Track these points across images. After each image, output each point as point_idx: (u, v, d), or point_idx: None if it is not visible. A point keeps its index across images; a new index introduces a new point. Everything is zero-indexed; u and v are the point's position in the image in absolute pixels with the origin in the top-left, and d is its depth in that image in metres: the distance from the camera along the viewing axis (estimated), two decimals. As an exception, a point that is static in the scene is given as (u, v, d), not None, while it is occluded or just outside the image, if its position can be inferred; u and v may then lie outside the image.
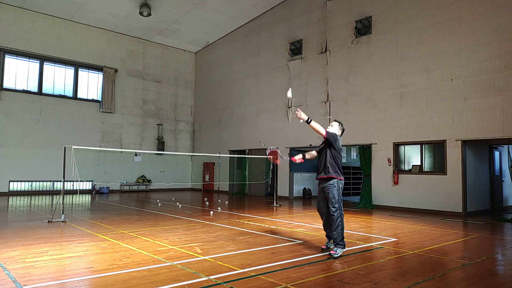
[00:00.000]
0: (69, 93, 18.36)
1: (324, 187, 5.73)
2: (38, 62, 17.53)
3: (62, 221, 8.72)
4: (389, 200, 12.77)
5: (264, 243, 6.57)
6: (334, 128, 5.92)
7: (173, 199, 15.49)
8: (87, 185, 18.48)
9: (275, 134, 16.95)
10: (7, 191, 16.47)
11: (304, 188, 16.94)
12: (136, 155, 20.13)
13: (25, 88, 17.15)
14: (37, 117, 17.21)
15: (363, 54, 13.85)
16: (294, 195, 16.49)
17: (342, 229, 5.61)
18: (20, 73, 17.12)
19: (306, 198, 16.60)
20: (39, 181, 17.26)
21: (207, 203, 13.96)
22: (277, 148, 6.65)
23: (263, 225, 8.75)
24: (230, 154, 18.96)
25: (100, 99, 19.10)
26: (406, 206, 12.28)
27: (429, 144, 12.13)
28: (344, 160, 19.10)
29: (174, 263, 5.08)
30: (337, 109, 14.57)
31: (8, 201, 13.76)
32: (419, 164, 12.31)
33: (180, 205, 12.82)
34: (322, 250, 5.80)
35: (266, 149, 17.31)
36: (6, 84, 16.60)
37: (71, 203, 13.41)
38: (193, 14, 17.92)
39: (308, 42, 15.91)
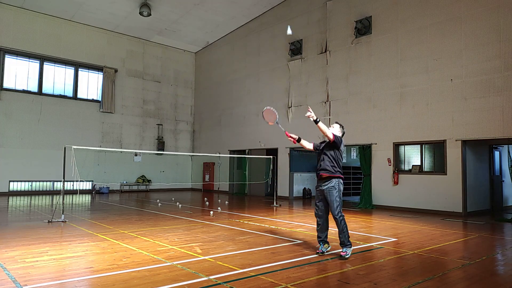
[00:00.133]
0: (69, 93, 18.36)
1: (324, 189, 5.67)
2: (38, 62, 17.53)
3: (62, 221, 8.72)
4: (389, 200, 12.77)
5: (264, 243, 6.57)
6: (335, 130, 5.86)
7: (173, 199, 15.48)
8: (87, 185, 18.48)
9: (275, 134, 16.93)
10: (7, 191, 16.47)
11: (304, 188, 16.94)
12: (136, 155, 20.13)
13: (25, 88, 17.15)
14: (37, 117, 17.21)
15: (363, 54, 13.84)
16: (294, 195, 16.49)
17: (347, 229, 5.61)
18: (20, 73, 17.12)
19: (306, 198, 16.60)
20: (39, 181, 17.26)
21: (207, 203, 13.96)
22: (277, 114, 6.43)
23: (263, 225, 8.75)
24: (230, 154, 18.96)
25: (100, 99, 19.10)
26: (406, 206, 12.28)
27: (429, 144, 12.13)
28: (344, 160, 19.09)
29: (174, 263, 5.08)
30: (337, 109, 14.57)
31: (8, 201, 13.76)
32: (419, 164, 12.31)
33: (180, 205, 12.82)
34: (318, 255, 5.67)
35: (266, 149, 17.51)
36: (6, 84, 16.60)
37: (71, 203, 13.41)
38: (193, 14, 17.92)
39: (308, 42, 15.91)
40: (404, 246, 6.55)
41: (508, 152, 11.43)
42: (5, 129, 16.38)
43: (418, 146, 12.38)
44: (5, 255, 5.38)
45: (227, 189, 19.63)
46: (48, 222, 8.65)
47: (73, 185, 16.48)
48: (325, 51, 15.12)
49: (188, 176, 22.04)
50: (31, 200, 14.51)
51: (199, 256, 5.52)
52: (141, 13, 16.91)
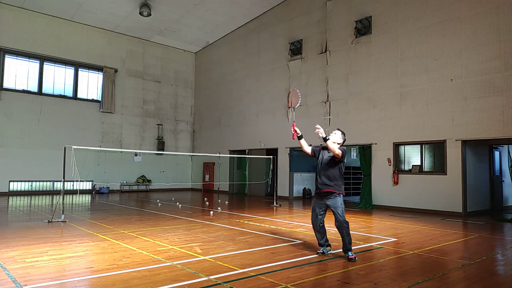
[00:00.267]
0: (69, 93, 18.36)
1: (327, 201, 5.54)
2: (38, 62, 17.52)
3: (62, 221, 8.72)
4: (389, 200, 12.77)
5: (264, 243, 6.57)
6: (337, 136, 5.68)
7: (173, 199, 15.48)
8: (87, 185, 18.47)
9: (275, 134, 16.95)
10: (7, 191, 16.47)
11: (304, 188, 16.94)
12: (136, 155, 20.13)
13: (25, 88, 17.15)
14: (37, 117, 17.21)
15: (363, 54, 13.84)
16: (294, 195, 16.49)
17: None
18: (20, 73, 17.12)
19: (306, 198, 16.60)
20: (39, 181, 17.26)
21: (207, 203, 13.96)
22: (299, 102, 6.27)
23: (263, 225, 8.75)
24: (230, 154, 18.96)
25: (100, 99, 19.09)
26: (406, 206, 12.28)
27: (429, 144, 12.12)
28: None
29: (174, 263, 5.08)
30: (337, 109, 14.57)
31: (8, 201, 13.76)
32: (419, 164, 12.30)
33: (180, 205, 12.82)
34: (318, 255, 5.65)
35: (266, 149, 17.51)
36: (6, 84, 16.60)
37: (71, 203, 13.41)
38: (193, 14, 17.92)
39: (308, 42, 15.91)
40: (404, 246, 6.55)
41: (508, 152, 11.42)
42: (5, 129, 16.38)
43: (418, 146, 12.38)
44: (5, 255, 5.38)
45: (227, 189, 19.62)
46: (48, 222, 8.65)
47: (73, 185, 16.47)
48: (325, 51, 15.12)
49: (188, 176, 22.04)
50: (31, 200, 14.51)
51: (199, 256, 5.52)
52: (141, 13, 16.91)
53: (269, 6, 17.46)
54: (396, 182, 12.61)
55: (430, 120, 11.90)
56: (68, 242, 6.43)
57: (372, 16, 13.61)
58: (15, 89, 16.83)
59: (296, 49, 16.25)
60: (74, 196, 16.20)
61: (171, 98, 21.90)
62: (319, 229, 5.68)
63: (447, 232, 8.14)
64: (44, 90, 17.58)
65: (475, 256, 5.85)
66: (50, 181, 17.48)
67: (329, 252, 5.75)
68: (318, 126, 5.55)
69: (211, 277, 4.44)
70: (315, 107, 15.21)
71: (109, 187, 18.83)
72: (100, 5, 16.87)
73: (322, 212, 5.68)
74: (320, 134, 5.45)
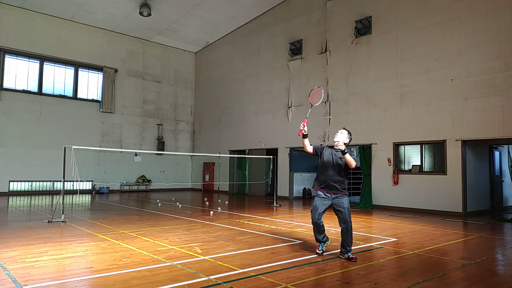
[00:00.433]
0: (69, 93, 18.36)
1: (334, 200, 5.53)
2: (38, 62, 17.52)
3: (62, 221, 8.72)
4: (389, 200, 12.77)
5: (264, 243, 6.57)
6: (344, 136, 5.62)
7: (173, 199, 15.48)
8: (87, 185, 18.48)
9: (275, 134, 16.95)
10: (7, 191, 16.47)
11: (304, 188, 16.94)
12: (136, 155, 20.13)
13: (25, 88, 17.15)
14: (37, 117, 17.21)
15: (363, 54, 13.84)
16: (294, 195, 16.49)
17: None
18: (20, 73, 17.12)
19: (306, 198, 16.60)
20: (39, 181, 17.26)
21: (207, 203, 13.96)
22: (320, 101, 6.34)
23: (263, 225, 8.75)
24: (230, 154, 18.96)
25: (100, 99, 19.09)
26: (406, 206, 12.28)
27: (429, 144, 12.12)
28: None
29: (174, 263, 5.08)
30: (337, 109, 14.57)
31: (8, 201, 13.76)
32: (419, 164, 12.31)
33: (180, 205, 12.82)
34: (318, 255, 5.64)
35: (266, 149, 17.50)
36: (6, 84, 16.60)
37: (71, 203, 13.41)
38: (193, 14, 17.92)
39: (308, 42, 15.90)
40: (404, 246, 6.55)
41: (508, 152, 11.43)
42: (5, 129, 16.38)
43: (418, 146, 12.38)
44: (5, 255, 5.38)
45: (227, 189, 19.62)
46: (48, 222, 8.65)
47: (73, 185, 16.48)
48: (325, 51, 15.12)
49: (188, 176, 22.04)
50: (31, 200, 14.51)
51: (199, 256, 5.52)
52: (141, 13, 16.91)
53: (269, 6, 17.46)
54: (396, 182, 12.61)
55: (430, 120, 11.90)
56: (68, 242, 6.43)
57: (372, 16, 13.62)
58: (15, 89, 16.83)
59: (296, 49, 16.25)
60: (74, 196, 16.20)
61: (171, 98, 21.90)
62: (320, 227, 5.68)
63: (447, 232, 8.15)
64: (44, 90, 17.58)
65: (475, 256, 5.85)
66: (50, 181, 17.48)
67: (328, 245, 5.76)
68: (337, 139, 5.62)
69: (211, 277, 4.44)
70: (315, 107, 15.16)
71: (109, 187, 18.83)
72: (100, 5, 16.88)
73: (324, 210, 5.66)
74: (339, 147, 5.54)
